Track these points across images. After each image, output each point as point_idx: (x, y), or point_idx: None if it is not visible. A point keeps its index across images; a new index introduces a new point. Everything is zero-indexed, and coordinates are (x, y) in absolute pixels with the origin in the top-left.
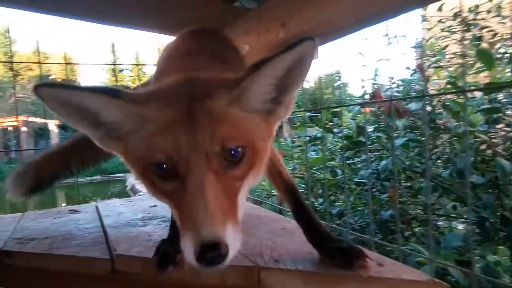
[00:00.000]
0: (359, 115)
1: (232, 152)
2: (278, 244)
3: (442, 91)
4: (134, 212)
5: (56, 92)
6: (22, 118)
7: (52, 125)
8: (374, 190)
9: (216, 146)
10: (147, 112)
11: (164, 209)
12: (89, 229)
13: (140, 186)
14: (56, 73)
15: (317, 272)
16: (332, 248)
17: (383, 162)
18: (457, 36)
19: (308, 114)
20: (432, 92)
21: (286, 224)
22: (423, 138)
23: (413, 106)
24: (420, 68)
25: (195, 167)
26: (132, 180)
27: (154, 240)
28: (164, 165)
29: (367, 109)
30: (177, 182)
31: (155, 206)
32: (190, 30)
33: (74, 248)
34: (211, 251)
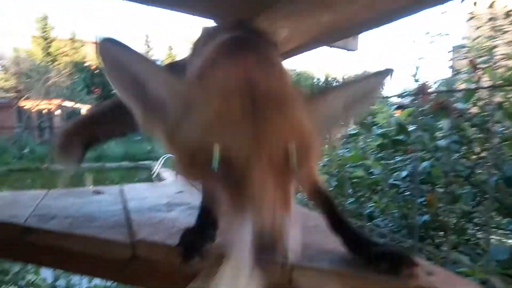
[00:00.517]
0: (396, 114)
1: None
2: (311, 242)
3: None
4: (159, 197)
5: (118, 51)
6: (56, 101)
7: (84, 109)
8: (408, 193)
9: (281, 150)
10: (202, 94)
11: (190, 195)
12: (111, 211)
13: (167, 174)
14: (92, 60)
15: (358, 276)
16: (376, 252)
17: (424, 164)
18: (509, 36)
19: None
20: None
21: (318, 221)
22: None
23: (459, 105)
24: (472, 65)
25: (258, 170)
26: (158, 167)
27: (178, 227)
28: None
29: (398, 112)
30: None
31: (181, 192)
32: (231, 22)
33: (94, 230)
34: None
